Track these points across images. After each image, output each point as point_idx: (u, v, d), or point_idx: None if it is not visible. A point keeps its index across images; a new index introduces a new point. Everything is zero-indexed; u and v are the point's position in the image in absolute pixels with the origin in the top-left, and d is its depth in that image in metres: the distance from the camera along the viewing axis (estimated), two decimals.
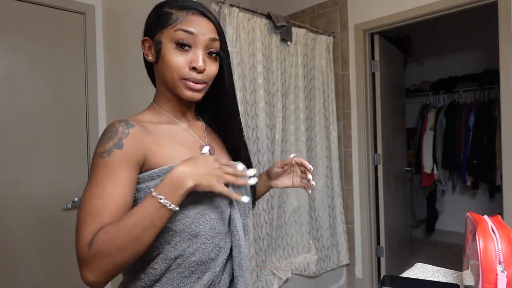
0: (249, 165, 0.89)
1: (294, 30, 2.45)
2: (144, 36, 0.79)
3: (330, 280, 2.67)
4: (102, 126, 2.16)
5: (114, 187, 0.65)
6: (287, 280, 2.27)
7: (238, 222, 0.77)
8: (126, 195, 0.66)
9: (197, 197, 0.71)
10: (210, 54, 0.76)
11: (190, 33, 0.73)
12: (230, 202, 0.78)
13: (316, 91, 2.64)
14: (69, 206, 1.98)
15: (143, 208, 0.63)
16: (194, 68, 0.74)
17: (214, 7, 2.05)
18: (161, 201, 0.63)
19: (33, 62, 1.89)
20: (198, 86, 0.75)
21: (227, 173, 0.70)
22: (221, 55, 0.80)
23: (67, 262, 1.99)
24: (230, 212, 0.77)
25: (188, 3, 0.76)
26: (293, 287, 2.35)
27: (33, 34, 1.89)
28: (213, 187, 0.67)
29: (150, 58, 0.78)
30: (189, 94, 0.75)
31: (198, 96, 0.77)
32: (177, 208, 0.64)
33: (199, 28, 0.74)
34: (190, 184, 0.65)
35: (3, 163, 1.79)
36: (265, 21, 2.26)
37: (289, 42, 2.41)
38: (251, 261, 2.11)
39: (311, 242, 2.52)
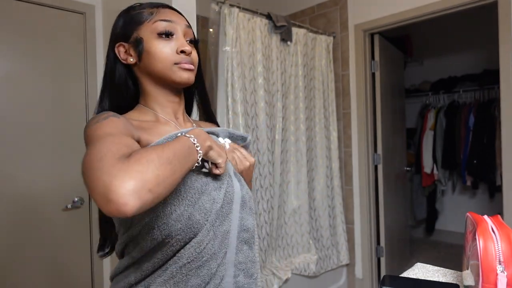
0: None
1: (294, 30, 2.45)
2: (115, 42, 0.78)
3: (330, 280, 2.67)
4: None
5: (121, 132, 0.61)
6: (287, 280, 2.27)
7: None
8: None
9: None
10: (189, 42, 0.79)
11: (169, 21, 0.76)
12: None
13: (316, 91, 2.64)
14: (69, 206, 1.98)
15: (178, 144, 0.58)
16: (182, 52, 0.75)
17: (214, 7, 2.05)
18: (195, 143, 0.61)
19: (33, 62, 1.89)
20: (192, 66, 0.77)
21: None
22: (198, 42, 0.83)
23: (67, 263, 1.99)
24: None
25: (154, 2, 0.79)
26: (293, 287, 2.35)
27: (33, 34, 1.89)
28: (217, 159, 0.69)
29: (132, 60, 0.77)
30: (185, 75, 0.76)
31: (192, 77, 0.78)
32: (199, 162, 0.63)
33: (174, 17, 0.77)
34: (208, 143, 0.65)
35: (2, 163, 1.79)
36: (265, 21, 2.26)
37: (289, 42, 2.41)
38: None
39: (311, 242, 2.52)
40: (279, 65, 2.34)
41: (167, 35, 0.75)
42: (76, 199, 2.01)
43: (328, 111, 2.72)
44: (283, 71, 2.39)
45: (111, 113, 0.69)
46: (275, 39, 2.32)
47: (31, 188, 1.87)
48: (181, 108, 0.84)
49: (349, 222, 2.80)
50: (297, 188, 2.48)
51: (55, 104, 1.96)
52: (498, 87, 2.15)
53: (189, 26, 0.80)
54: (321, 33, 2.70)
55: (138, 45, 0.75)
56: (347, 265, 2.78)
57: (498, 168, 3.39)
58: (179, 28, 0.77)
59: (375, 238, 2.76)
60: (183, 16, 0.81)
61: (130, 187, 0.48)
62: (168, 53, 0.74)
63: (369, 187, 2.72)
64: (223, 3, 2.04)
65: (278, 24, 2.27)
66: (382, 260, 2.78)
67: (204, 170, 0.72)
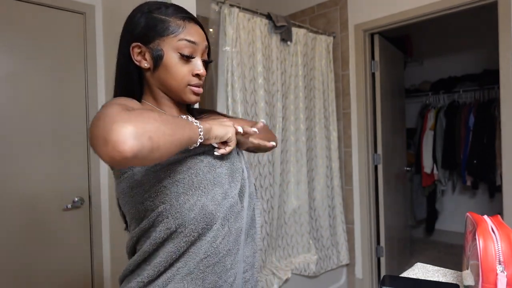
0: None
1: (294, 30, 2.45)
2: (132, 41, 0.76)
3: (330, 280, 2.67)
4: None
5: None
6: (287, 280, 2.27)
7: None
8: None
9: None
10: (203, 61, 0.81)
11: (193, 43, 0.76)
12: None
13: (316, 91, 2.64)
14: (69, 206, 1.98)
15: (174, 117, 0.61)
16: (197, 75, 0.78)
17: (214, 7, 2.05)
18: (191, 120, 0.64)
19: (33, 62, 1.89)
20: (201, 90, 0.80)
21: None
22: (211, 62, 0.84)
23: (67, 263, 1.99)
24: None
25: (181, 10, 0.78)
26: (293, 287, 2.35)
27: (33, 34, 1.89)
28: (226, 135, 0.72)
29: (146, 65, 0.76)
30: (194, 98, 0.80)
31: (198, 99, 0.82)
32: (199, 141, 0.65)
33: (198, 37, 0.78)
34: (207, 125, 0.69)
35: (3, 163, 1.79)
36: (265, 21, 2.26)
37: (289, 42, 2.41)
38: None
39: (311, 242, 2.52)
40: (279, 65, 2.34)
41: (189, 57, 0.76)
42: (76, 199, 2.01)
43: (328, 111, 2.72)
44: (283, 71, 2.39)
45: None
46: (275, 39, 2.32)
47: (31, 188, 1.87)
48: (184, 109, 0.88)
49: (349, 222, 2.80)
50: (297, 188, 2.48)
51: (55, 104, 1.96)
52: (498, 87, 2.15)
53: (208, 46, 0.81)
54: (321, 33, 2.70)
55: (156, 55, 0.75)
56: (347, 265, 2.78)
57: (498, 168, 3.39)
58: (199, 50, 0.78)
59: (375, 238, 2.76)
60: (204, 31, 0.81)
61: (130, 130, 0.50)
62: (185, 73, 0.76)
63: (369, 187, 2.72)
64: (223, 3, 2.04)
65: (278, 24, 2.27)
66: (382, 260, 2.78)
67: (215, 153, 0.74)
